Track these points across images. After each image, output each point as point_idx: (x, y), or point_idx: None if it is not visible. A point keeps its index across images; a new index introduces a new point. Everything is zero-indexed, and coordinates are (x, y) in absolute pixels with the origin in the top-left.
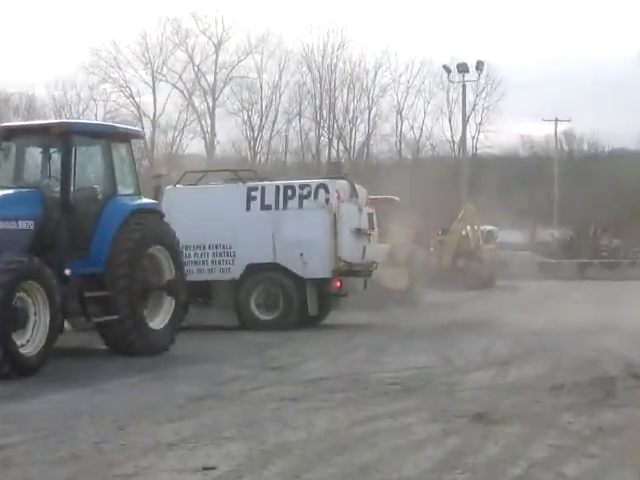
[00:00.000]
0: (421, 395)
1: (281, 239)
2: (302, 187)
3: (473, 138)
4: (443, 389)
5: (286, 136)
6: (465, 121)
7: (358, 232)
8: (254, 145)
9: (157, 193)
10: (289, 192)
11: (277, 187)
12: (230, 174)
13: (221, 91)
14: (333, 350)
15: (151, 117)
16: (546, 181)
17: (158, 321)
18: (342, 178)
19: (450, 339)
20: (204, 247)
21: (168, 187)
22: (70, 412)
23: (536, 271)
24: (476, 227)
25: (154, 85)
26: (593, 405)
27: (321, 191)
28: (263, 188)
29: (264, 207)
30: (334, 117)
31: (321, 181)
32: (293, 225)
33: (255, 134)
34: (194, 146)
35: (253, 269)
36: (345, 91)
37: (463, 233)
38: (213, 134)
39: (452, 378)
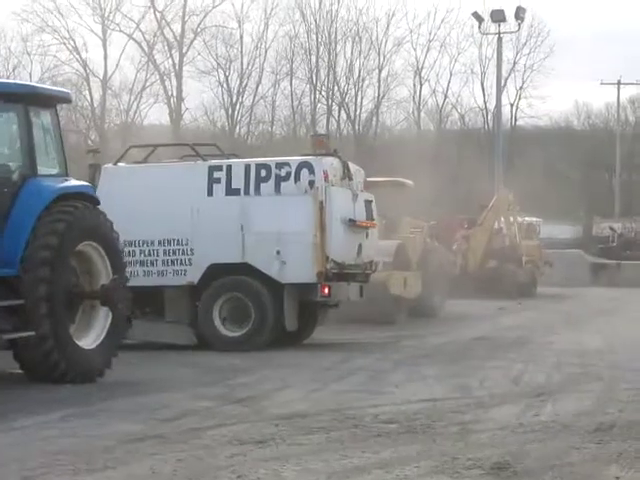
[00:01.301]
0: (426, 437)
1: (252, 233)
2: (279, 166)
3: (512, 105)
4: (455, 430)
5: (273, 102)
6: (501, 84)
7: (352, 224)
8: (232, 113)
9: (93, 173)
10: (262, 173)
11: (247, 166)
12: (186, 149)
13: (190, 44)
14: (319, 377)
15: (101, 77)
16: (606, 160)
17: (90, 339)
18: (331, 155)
19: (472, 363)
20: (153, 243)
21: (106, 165)
22: None
23: (589, 275)
24: (512, 219)
25: (105, 36)
26: None
27: (304, 171)
28: (229, 168)
29: (230, 192)
30: (334, 78)
31: (303, 159)
32: (268, 215)
33: (234, 99)
34: (155, 114)
35: (216, 271)
36: (349, 45)
37: (495, 226)
38: (180, 99)
39: (468, 415)
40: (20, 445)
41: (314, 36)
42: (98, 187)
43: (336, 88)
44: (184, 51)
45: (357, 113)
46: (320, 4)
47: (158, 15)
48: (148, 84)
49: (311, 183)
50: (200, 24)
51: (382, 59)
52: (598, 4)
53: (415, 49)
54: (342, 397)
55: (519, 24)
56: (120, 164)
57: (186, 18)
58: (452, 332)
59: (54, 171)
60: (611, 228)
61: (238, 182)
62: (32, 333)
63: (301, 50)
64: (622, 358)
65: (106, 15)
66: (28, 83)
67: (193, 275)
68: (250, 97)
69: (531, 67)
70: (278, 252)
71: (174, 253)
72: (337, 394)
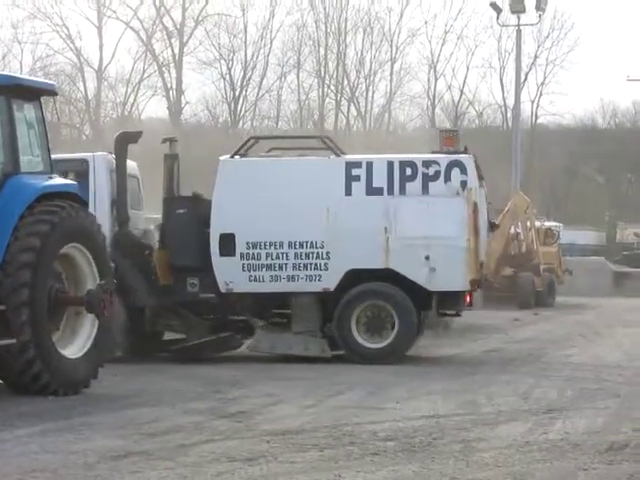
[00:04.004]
0: (425, 456)
1: (398, 237)
2: (427, 164)
3: (533, 102)
4: (457, 448)
5: (279, 96)
6: (520, 79)
7: (491, 228)
8: (235, 107)
9: (171, 165)
10: (407, 171)
11: (390, 163)
12: (301, 144)
13: (191, 34)
14: (317, 390)
15: (96, 67)
16: (633, 162)
17: (75, 348)
18: (464, 153)
19: (481, 378)
20: (282, 245)
21: (224, 158)
22: None
23: (612, 284)
24: (530, 223)
25: (100, 24)
26: None
27: (455, 171)
28: (369, 164)
29: (372, 191)
30: (344, 71)
31: (454, 157)
32: (415, 217)
33: (237, 93)
34: (154, 107)
35: (355, 277)
36: (359, 36)
37: (511, 231)
38: (180, 91)
39: (472, 432)
40: None
41: (323, 26)
42: (216, 182)
43: (346, 82)
44: (184, 41)
45: (368, 109)
46: None
47: (157, 2)
48: (146, 75)
49: (463, 184)
50: (202, 12)
51: (395, 51)
52: None
53: (430, 41)
54: (339, 413)
55: (540, 15)
56: (237, 157)
57: (187, 5)
58: (462, 344)
59: (38, 168)
60: (636, 234)
61: (380, 180)
62: (13, 341)
63: (309, 41)
64: None
65: (102, 1)
66: (10, 74)
67: (329, 281)
68: (254, 91)
69: (553, 61)
70: (427, 258)
71: (307, 257)
72: (334, 410)
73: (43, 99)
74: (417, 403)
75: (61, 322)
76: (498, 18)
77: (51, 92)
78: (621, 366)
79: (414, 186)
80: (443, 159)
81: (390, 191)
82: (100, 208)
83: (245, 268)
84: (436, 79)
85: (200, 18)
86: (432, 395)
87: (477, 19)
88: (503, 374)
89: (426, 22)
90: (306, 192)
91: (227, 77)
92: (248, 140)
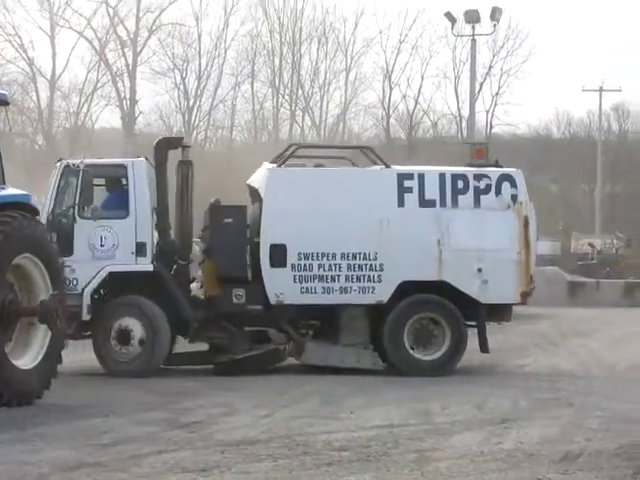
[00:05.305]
0: (380, 466)
1: (451, 249)
2: (478, 178)
3: (487, 112)
4: (411, 458)
5: (233, 106)
6: (475, 89)
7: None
8: (189, 117)
9: (186, 172)
10: (459, 184)
11: (441, 176)
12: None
13: (145, 43)
14: (271, 401)
15: (49, 77)
16: (587, 172)
17: (27, 358)
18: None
19: (436, 387)
20: (334, 256)
21: (271, 167)
22: None
23: (567, 294)
24: None
25: (53, 34)
26: None
27: (505, 185)
28: (421, 176)
29: (424, 203)
30: (299, 81)
31: (504, 171)
32: (467, 230)
33: (191, 102)
34: (107, 117)
35: (409, 289)
36: (314, 46)
37: None
38: (133, 101)
39: (427, 442)
40: None
41: (277, 36)
42: (265, 191)
43: (300, 92)
44: (138, 50)
45: (322, 118)
46: (284, 1)
47: (111, 11)
48: (99, 85)
49: (514, 197)
50: (155, 21)
51: (350, 61)
52: (578, 6)
53: (385, 51)
54: (293, 423)
55: (494, 25)
56: (284, 167)
57: (141, 15)
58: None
59: None
60: (590, 244)
61: (432, 192)
62: None
63: (263, 51)
64: (597, 383)
65: (55, 10)
66: None
67: (382, 293)
68: (208, 100)
69: (508, 72)
70: (479, 270)
71: (360, 268)
72: (288, 420)
73: None
74: (372, 412)
75: (14, 333)
76: (453, 28)
77: (3, 102)
78: (575, 376)
79: (466, 199)
80: (494, 173)
81: (442, 203)
82: (141, 215)
83: (297, 279)
84: (391, 89)
85: (154, 27)
86: (387, 405)
87: (432, 29)
88: (458, 384)
89: (381, 32)
90: (358, 203)
91: (181, 87)
92: (295, 149)
